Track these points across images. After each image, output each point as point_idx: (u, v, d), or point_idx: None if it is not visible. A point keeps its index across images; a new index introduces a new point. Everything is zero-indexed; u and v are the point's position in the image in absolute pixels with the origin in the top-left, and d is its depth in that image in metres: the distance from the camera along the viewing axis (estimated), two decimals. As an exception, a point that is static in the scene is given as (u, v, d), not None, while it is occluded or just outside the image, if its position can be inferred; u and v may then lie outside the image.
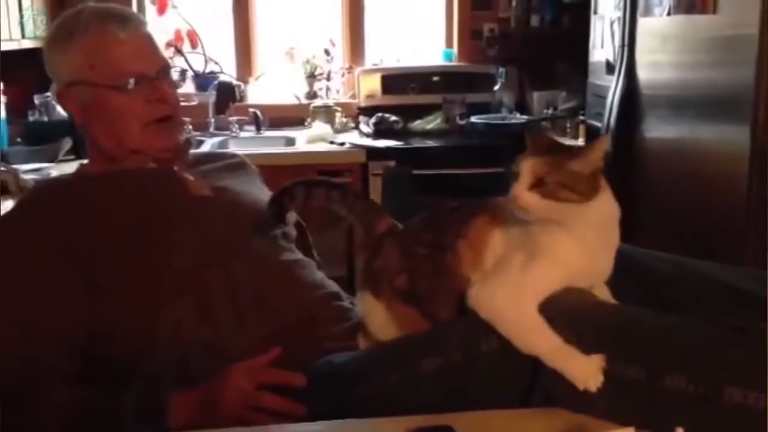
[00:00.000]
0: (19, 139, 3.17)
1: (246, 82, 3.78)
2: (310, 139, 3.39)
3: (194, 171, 1.41)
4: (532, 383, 0.93)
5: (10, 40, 2.98)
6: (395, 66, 3.80)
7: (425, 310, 1.05)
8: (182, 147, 1.42)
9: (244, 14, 3.81)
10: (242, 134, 3.61)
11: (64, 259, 1.17)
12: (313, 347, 1.14)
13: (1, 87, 2.97)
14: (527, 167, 0.92)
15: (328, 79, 3.79)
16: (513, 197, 0.93)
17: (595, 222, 0.95)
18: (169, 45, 3.66)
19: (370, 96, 3.70)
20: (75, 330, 1.16)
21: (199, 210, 1.31)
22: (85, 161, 1.42)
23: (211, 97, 3.61)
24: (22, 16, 3.05)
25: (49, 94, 3.04)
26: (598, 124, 2.62)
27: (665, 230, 2.24)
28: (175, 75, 1.44)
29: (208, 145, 3.35)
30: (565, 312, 0.94)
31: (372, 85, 3.70)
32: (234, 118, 3.63)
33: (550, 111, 3.55)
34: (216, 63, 3.76)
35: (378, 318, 1.10)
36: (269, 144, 3.46)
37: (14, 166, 2.70)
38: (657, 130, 2.32)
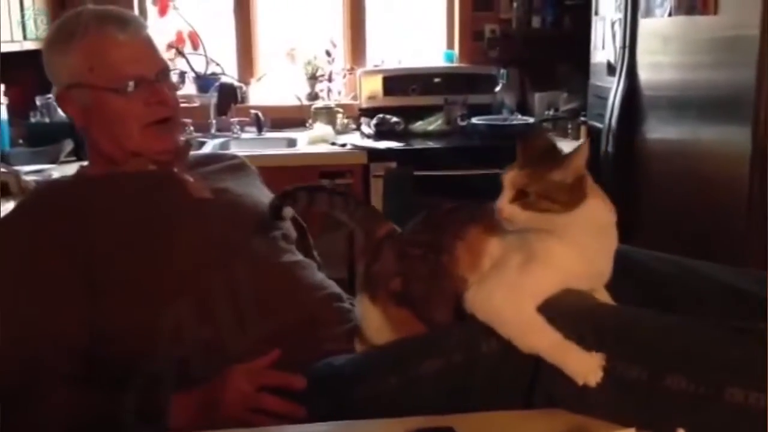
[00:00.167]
0: (20, 141, 3.17)
1: (247, 84, 3.79)
2: (312, 141, 3.39)
3: (194, 173, 1.41)
4: (533, 384, 0.93)
5: (12, 41, 2.99)
6: (396, 67, 3.80)
7: (419, 312, 1.05)
8: (182, 149, 1.42)
9: (246, 15, 3.81)
10: (243, 135, 3.61)
11: (65, 260, 1.17)
12: (313, 349, 1.14)
13: (3, 88, 2.98)
14: (509, 179, 0.94)
15: (330, 80, 3.79)
16: (496, 210, 0.94)
17: (586, 227, 0.95)
18: (170, 46, 3.66)
19: (371, 97, 3.70)
20: (75, 331, 1.16)
21: (200, 211, 1.31)
22: (86, 163, 1.42)
23: (212, 98, 3.61)
24: (23, 17, 3.06)
25: (50, 95, 3.04)
26: (600, 125, 2.62)
27: (666, 231, 2.24)
28: (174, 77, 1.44)
29: (210, 147, 3.35)
30: (565, 313, 0.94)
31: (373, 86, 3.70)
32: (235, 120, 3.63)
33: (552, 112, 3.55)
34: (217, 64, 3.76)
35: (373, 322, 1.10)
36: (270, 145, 3.46)
37: (15, 168, 2.70)
38: (658, 130, 2.32)
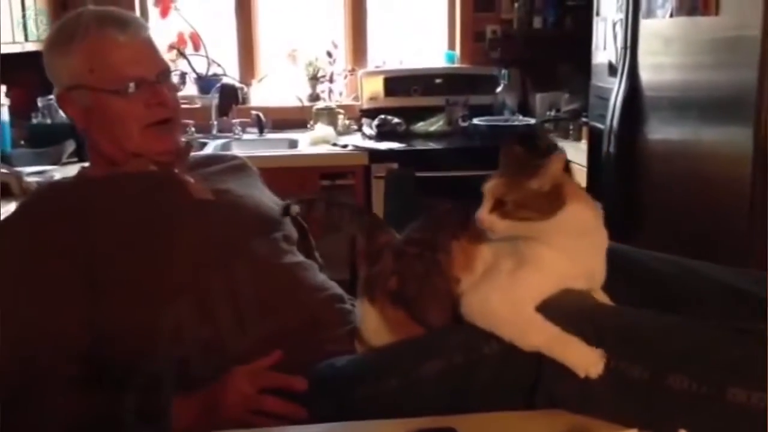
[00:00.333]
0: (22, 142, 3.18)
1: (249, 85, 3.79)
2: (313, 142, 3.39)
3: (195, 173, 1.41)
4: (535, 385, 0.93)
5: (13, 42, 2.99)
6: (398, 68, 3.80)
7: (413, 311, 1.05)
8: (183, 150, 1.42)
9: (247, 16, 3.81)
10: (245, 136, 3.62)
11: (66, 261, 1.17)
12: (314, 350, 1.14)
13: (4, 89, 2.98)
14: (488, 189, 0.95)
15: (331, 81, 3.79)
16: (477, 220, 0.95)
17: (568, 232, 0.95)
18: (171, 47, 3.67)
19: (372, 98, 3.71)
20: (76, 332, 1.16)
21: (201, 212, 1.31)
22: (87, 164, 1.42)
23: (213, 99, 3.61)
24: (24, 18, 3.06)
25: (52, 96, 3.04)
26: (601, 126, 2.62)
27: (667, 231, 2.24)
28: (176, 78, 1.44)
29: (211, 148, 3.36)
30: (565, 313, 0.94)
31: (374, 87, 3.70)
32: (237, 121, 3.63)
33: (553, 113, 3.55)
34: (219, 65, 3.77)
35: (371, 323, 1.10)
36: (272, 146, 3.47)
37: (17, 169, 2.71)
38: (659, 131, 2.32)
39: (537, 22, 3.62)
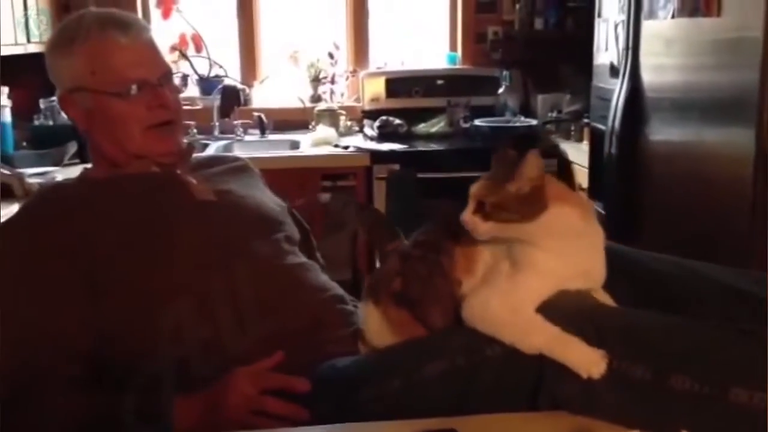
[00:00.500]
0: (24, 143, 3.18)
1: (250, 86, 3.79)
2: (315, 143, 3.40)
3: (197, 174, 1.41)
4: (537, 387, 0.93)
5: (16, 44, 3.00)
6: (399, 69, 3.81)
7: (416, 312, 1.06)
8: (185, 151, 1.42)
9: (249, 18, 3.81)
10: (247, 138, 3.62)
11: (67, 262, 1.17)
12: (316, 351, 1.14)
13: (7, 91, 2.99)
14: (472, 191, 0.96)
15: (333, 82, 3.80)
16: (462, 222, 0.96)
17: (554, 234, 0.95)
18: (173, 49, 3.67)
19: (374, 99, 3.71)
20: (77, 332, 1.16)
21: (203, 213, 1.31)
22: (89, 165, 1.43)
23: (215, 100, 3.62)
24: (27, 20, 3.07)
25: (54, 98, 3.05)
26: (603, 127, 2.61)
27: (669, 232, 2.24)
28: (177, 79, 1.44)
29: (213, 149, 3.36)
30: (567, 314, 0.94)
31: (376, 88, 3.70)
32: (238, 122, 3.63)
33: (555, 114, 3.55)
34: (220, 67, 3.77)
35: (374, 324, 1.10)
36: (274, 147, 3.47)
37: (19, 170, 2.71)
38: (661, 132, 2.32)
39: (538, 24, 3.62)
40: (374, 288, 1.12)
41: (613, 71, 2.62)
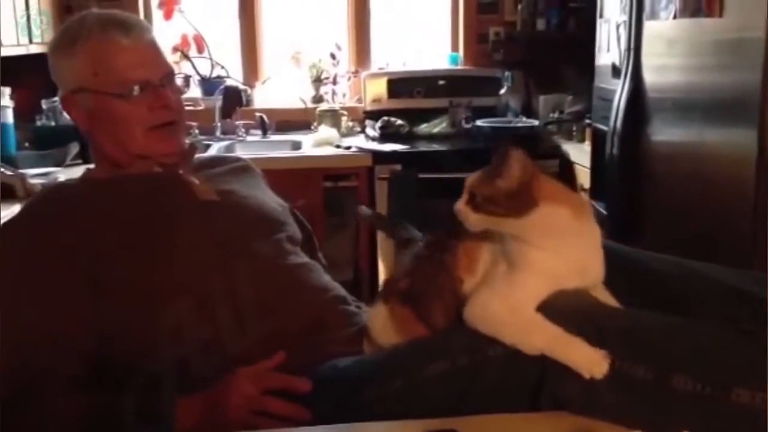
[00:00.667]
0: (26, 144, 3.18)
1: (252, 87, 3.80)
2: (317, 143, 3.40)
3: (199, 175, 1.41)
4: (539, 387, 0.93)
5: (18, 45, 3.00)
6: (401, 70, 3.81)
7: (419, 309, 1.06)
8: (187, 151, 1.43)
9: (250, 18, 3.82)
10: (249, 138, 3.62)
11: (69, 262, 1.18)
12: (318, 351, 1.14)
13: (9, 92, 2.99)
14: (467, 182, 0.98)
15: (334, 83, 3.80)
16: (455, 211, 0.98)
17: (544, 232, 0.96)
18: (175, 50, 3.68)
19: (376, 100, 3.71)
20: (79, 333, 1.16)
21: (205, 213, 1.31)
22: (92, 166, 1.43)
23: (217, 101, 3.62)
24: (29, 21, 3.07)
25: (56, 99, 3.05)
26: (605, 128, 2.61)
27: (671, 232, 2.24)
28: (179, 80, 1.44)
29: (215, 149, 3.36)
30: (568, 314, 0.94)
31: (378, 88, 3.70)
32: (240, 123, 3.64)
33: (557, 114, 3.55)
34: (222, 67, 3.77)
35: (378, 321, 1.11)
36: (275, 148, 3.47)
37: (22, 171, 2.71)
38: (663, 133, 2.32)
39: (540, 24, 3.62)
40: (386, 287, 1.14)
41: (615, 72, 2.62)
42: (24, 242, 1.21)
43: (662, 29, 2.26)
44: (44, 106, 3.27)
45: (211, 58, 3.75)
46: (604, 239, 1.04)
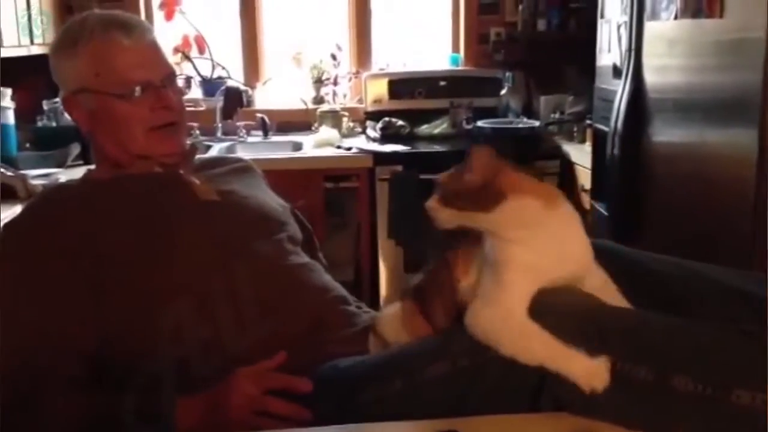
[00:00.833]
0: (27, 145, 3.18)
1: (253, 87, 3.80)
2: (317, 144, 3.40)
3: (200, 175, 1.41)
4: (540, 389, 0.93)
5: (19, 46, 3.00)
6: (402, 70, 3.81)
7: (423, 306, 1.07)
8: (188, 152, 1.43)
9: (251, 19, 3.82)
10: (249, 139, 3.63)
11: (70, 262, 1.18)
12: (318, 351, 1.14)
13: (10, 92, 2.99)
14: (439, 180, 1.00)
15: (335, 83, 3.80)
16: (426, 208, 0.99)
17: (518, 224, 0.96)
18: (176, 50, 3.68)
19: (376, 101, 3.71)
20: (81, 333, 1.16)
21: (206, 213, 1.31)
22: (93, 166, 1.43)
23: (218, 102, 3.62)
24: (30, 22, 3.07)
25: (57, 99, 3.05)
26: (605, 128, 2.61)
27: (671, 233, 2.24)
28: (181, 81, 1.44)
29: (216, 150, 3.37)
30: (570, 314, 0.94)
31: (379, 89, 3.70)
32: (241, 123, 3.64)
33: (557, 115, 3.55)
34: (223, 68, 3.78)
35: (388, 314, 1.13)
36: (276, 149, 3.47)
37: (23, 171, 2.72)
38: (664, 133, 2.32)
39: (541, 25, 3.62)
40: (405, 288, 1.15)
41: (616, 72, 2.62)
42: (25, 243, 1.21)
43: (663, 30, 2.26)
44: (45, 107, 3.28)
45: (212, 59, 3.75)
46: (606, 240, 1.03)
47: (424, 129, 3.57)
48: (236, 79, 3.79)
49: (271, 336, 1.18)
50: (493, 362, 0.94)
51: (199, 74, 3.74)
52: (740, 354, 0.88)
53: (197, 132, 3.56)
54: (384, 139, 3.45)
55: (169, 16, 3.70)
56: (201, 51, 3.75)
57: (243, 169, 1.53)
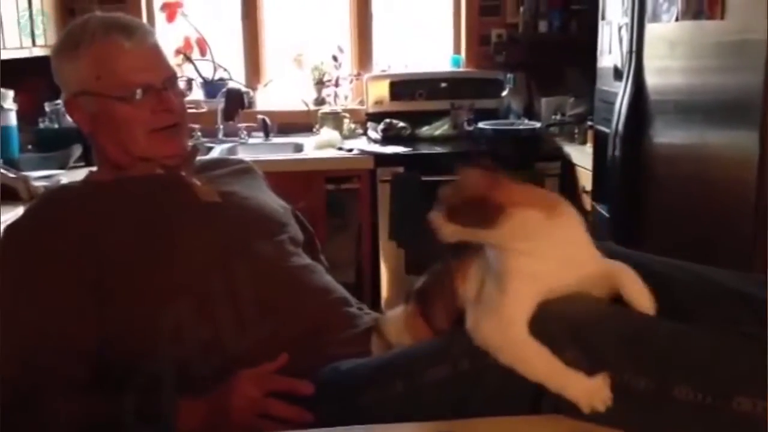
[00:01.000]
0: (29, 146, 3.19)
1: (254, 89, 3.80)
2: (319, 146, 3.40)
3: (202, 176, 1.41)
4: (540, 393, 0.92)
5: (21, 48, 3.01)
6: (403, 72, 3.81)
7: (425, 308, 1.08)
8: (190, 153, 1.43)
9: (253, 21, 3.82)
10: (251, 141, 3.63)
11: (72, 264, 1.18)
12: (320, 353, 1.15)
13: (12, 94, 3.00)
14: (442, 193, 0.98)
15: (336, 85, 3.80)
16: (430, 222, 0.97)
17: (520, 237, 0.95)
18: (178, 52, 3.68)
19: (378, 102, 3.71)
20: (83, 334, 1.16)
21: (208, 215, 1.32)
22: (95, 168, 1.43)
23: (219, 103, 3.62)
24: (32, 24, 3.08)
25: (59, 101, 3.07)
26: (606, 130, 2.61)
27: (672, 235, 2.24)
28: (182, 83, 1.44)
29: (217, 152, 3.37)
30: (569, 324, 0.93)
31: (380, 91, 3.71)
32: (243, 125, 3.64)
33: (558, 116, 3.55)
34: (225, 70, 3.78)
35: (392, 316, 1.13)
36: (278, 150, 3.48)
37: (25, 173, 2.72)
38: (665, 135, 2.32)
39: (542, 26, 3.62)
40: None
41: (617, 74, 2.62)
42: (27, 244, 1.21)
43: (664, 31, 2.26)
44: (47, 109, 3.28)
45: (213, 61, 3.76)
46: (609, 243, 1.03)
47: (425, 130, 3.57)
48: (237, 80, 3.80)
49: (272, 337, 1.18)
50: (493, 366, 0.94)
51: (200, 76, 3.74)
52: (740, 361, 0.88)
53: (199, 134, 3.56)
54: (385, 140, 3.45)
55: (170, 18, 3.71)
56: (202, 53, 3.76)
57: (244, 170, 1.53)
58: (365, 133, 3.64)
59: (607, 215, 2.61)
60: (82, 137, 2.87)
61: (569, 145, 3.32)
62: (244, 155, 3.16)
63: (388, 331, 1.12)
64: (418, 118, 3.59)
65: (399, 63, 3.89)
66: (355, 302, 1.34)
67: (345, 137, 3.53)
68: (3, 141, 2.93)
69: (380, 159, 3.21)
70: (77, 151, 3.05)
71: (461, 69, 3.84)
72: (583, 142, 3.24)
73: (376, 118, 3.64)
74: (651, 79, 2.38)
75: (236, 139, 3.62)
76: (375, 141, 3.48)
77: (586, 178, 2.98)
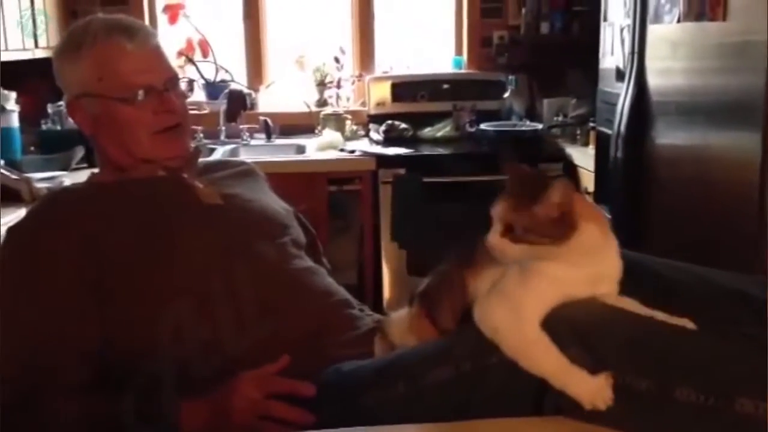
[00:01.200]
0: (32, 148, 3.19)
1: (256, 90, 3.80)
2: (321, 147, 3.40)
3: (204, 178, 1.41)
4: (543, 394, 0.92)
5: (23, 49, 3.01)
6: (405, 73, 3.81)
7: (430, 307, 1.07)
8: (192, 155, 1.43)
9: (255, 23, 3.83)
10: (253, 142, 3.63)
11: (74, 265, 1.18)
12: (322, 355, 1.15)
13: (14, 96, 3.00)
14: (497, 213, 0.94)
15: (338, 86, 3.80)
16: (488, 245, 0.94)
17: (582, 253, 0.94)
18: (180, 54, 3.69)
19: (380, 103, 3.71)
20: (83, 335, 1.17)
21: (209, 217, 1.32)
22: (97, 170, 1.43)
23: (221, 105, 3.63)
24: (34, 26, 3.08)
25: (61, 103, 3.07)
26: (609, 131, 2.61)
27: (675, 236, 2.24)
28: (184, 84, 1.45)
29: (219, 153, 3.37)
30: (573, 325, 0.93)
31: (382, 92, 3.71)
32: (245, 126, 3.65)
33: (560, 118, 3.55)
34: (227, 71, 3.78)
35: (395, 317, 1.13)
36: (280, 152, 3.48)
37: (27, 175, 2.72)
38: (667, 136, 2.32)
39: (544, 28, 3.62)
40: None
41: (619, 75, 2.62)
42: (30, 246, 1.22)
43: (666, 33, 2.26)
44: (50, 110, 3.29)
45: (215, 62, 3.76)
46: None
47: (427, 132, 3.57)
48: (239, 82, 3.80)
49: (273, 339, 1.18)
50: (495, 367, 0.94)
51: (202, 77, 3.74)
52: (742, 362, 0.88)
53: (201, 135, 3.56)
54: (387, 141, 3.45)
55: (172, 20, 3.71)
56: (204, 54, 3.76)
57: (246, 172, 1.53)
58: (367, 135, 3.64)
59: (608, 216, 2.61)
60: (84, 139, 2.88)
61: (571, 146, 3.32)
62: (246, 157, 3.16)
63: (391, 333, 1.13)
64: (419, 120, 3.59)
65: (401, 64, 3.89)
66: (357, 304, 1.34)
67: (347, 139, 3.53)
68: (5, 143, 2.94)
69: (382, 160, 3.21)
70: (80, 152, 3.06)
71: (463, 70, 3.84)
72: (585, 144, 3.24)
73: (377, 119, 3.64)
74: (653, 81, 2.38)
75: (238, 140, 3.62)
76: (377, 142, 3.48)
77: (588, 180, 2.98)
